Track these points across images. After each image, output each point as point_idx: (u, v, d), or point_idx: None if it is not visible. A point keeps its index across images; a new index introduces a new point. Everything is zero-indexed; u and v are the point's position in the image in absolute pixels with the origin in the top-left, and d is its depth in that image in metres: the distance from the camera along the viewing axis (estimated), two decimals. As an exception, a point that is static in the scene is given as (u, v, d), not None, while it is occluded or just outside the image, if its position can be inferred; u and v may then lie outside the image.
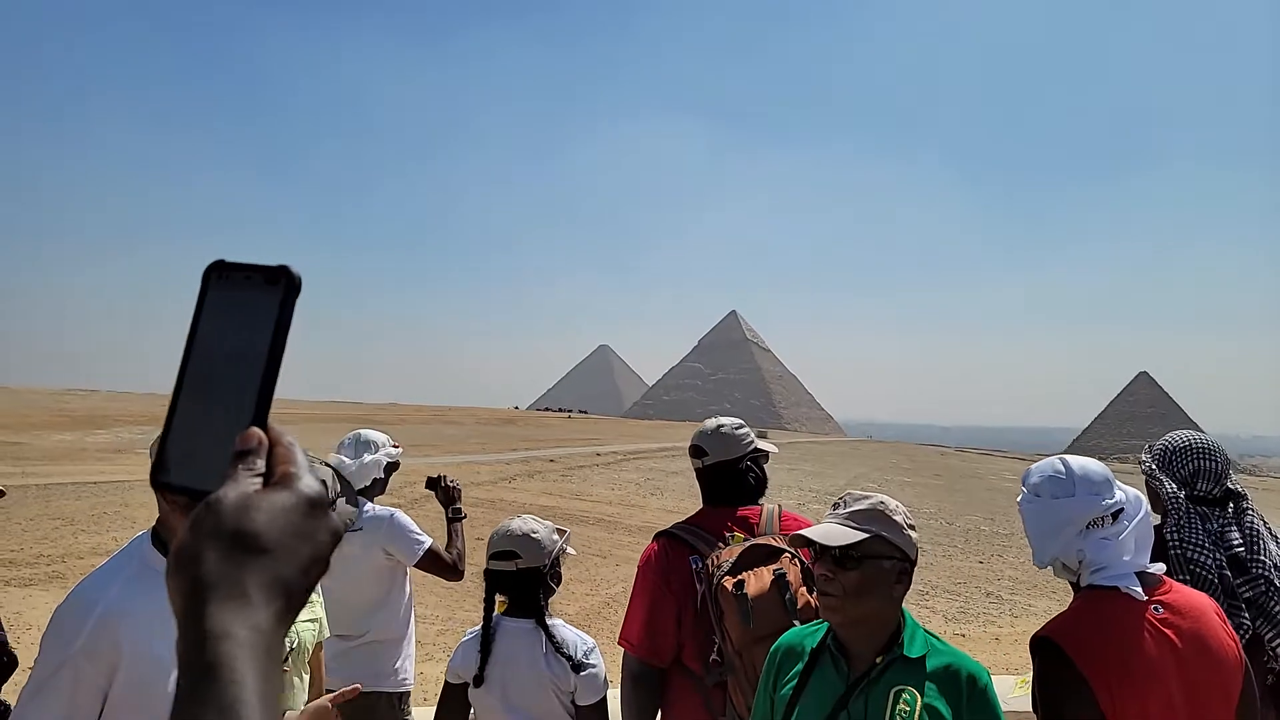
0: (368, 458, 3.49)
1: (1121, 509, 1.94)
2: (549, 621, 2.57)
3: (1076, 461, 2.02)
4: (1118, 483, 2.00)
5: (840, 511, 1.95)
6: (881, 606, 1.87)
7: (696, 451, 2.77)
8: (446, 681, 2.62)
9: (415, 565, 3.47)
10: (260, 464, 0.62)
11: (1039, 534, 1.99)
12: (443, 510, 3.69)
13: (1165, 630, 1.83)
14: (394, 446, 3.62)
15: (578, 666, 2.50)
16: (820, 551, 1.90)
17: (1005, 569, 13.67)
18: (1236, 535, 2.45)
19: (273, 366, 0.63)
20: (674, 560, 2.58)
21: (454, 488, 3.73)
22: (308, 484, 0.62)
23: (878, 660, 1.86)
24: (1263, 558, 2.41)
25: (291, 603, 0.59)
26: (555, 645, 2.51)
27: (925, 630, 1.95)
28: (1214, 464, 2.54)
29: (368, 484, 3.50)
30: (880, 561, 1.86)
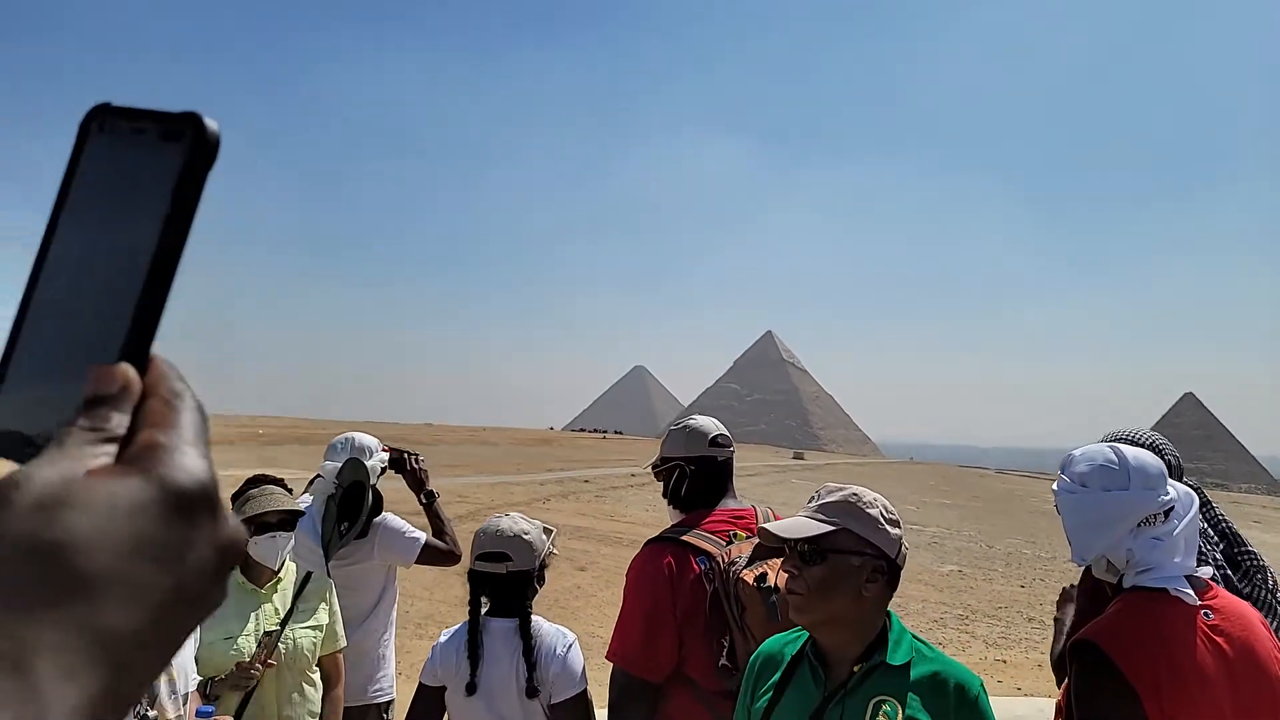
0: (367, 462, 3.39)
1: (1173, 507, 1.78)
2: (531, 623, 2.41)
3: (1130, 452, 1.83)
4: (1169, 478, 1.84)
5: (812, 504, 1.80)
6: (851, 607, 1.70)
7: (689, 452, 2.60)
8: (421, 683, 2.42)
9: (415, 562, 3.41)
10: (117, 421, 0.37)
11: (1083, 527, 1.81)
12: (414, 494, 3.55)
13: (1217, 638, 1.68)
14: (384, 450, 3.50)
15: (553, 662, 2.36)
16: (789, 547, 1.75)
17: (1048, 593, 13.35)
18: (1212, 531, 2.30)
19: (162, 267, 0.39)
20: (677, 564, 2.36)
21: (422, 469, 3.56)
22: (184, 468, 0.37)
23: (856, 668, 1.70)
24: (1251, 549, 2.28)
25: (127, 671, 0.33)
26: (529, 648, 2.36)
27: (914, 636, 1.78)
28: (1168, 460, 2.32)
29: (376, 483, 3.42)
30: (848, 557, 1.70)
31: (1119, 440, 2.26)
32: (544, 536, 2.55)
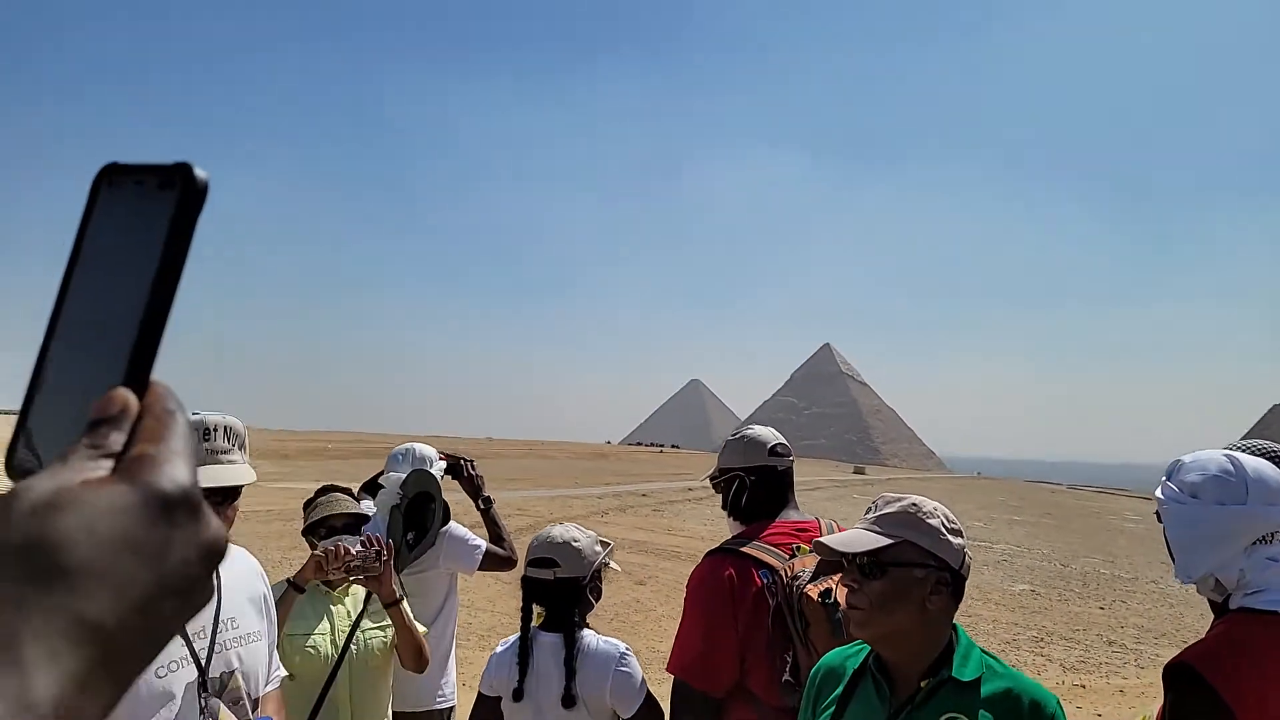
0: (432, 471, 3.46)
1: None
2: (576, 634, 2.40)
3: (1249, 462, 1.69)
4: None
5: (869, 515, 1.73)
6: (915, 620, 1.62)
7: (749, 463, 2.53)
8: (480, 693, 2.49)
9: (478, 569, 3.45)
10: (115, 439, 0.42)
11: (1192, 543, 1.67)
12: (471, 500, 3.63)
13: None
14: (441, 459, 3.58)
15: (605, 677, 2.34)
16: (848, 561, 1.69)
17: (1130, 616, 12.74)
18: None
19: (160, 299, 0.44)
20: (739, 577, 2.31)
21: (478, 475, 3.63)
22: (168, 475, 0.41)
23: (923, 684, 1.62)
24: None
25: (111, 656, 0.36)
26: (572, 660, 2.34)
27: (983, 651, 1.70)
28: None
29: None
30: (910, 570, 1.63)
31: (1237, 449, 2.08)
32: (597, 548, 2.53)
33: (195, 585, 0.41)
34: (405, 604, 2.65)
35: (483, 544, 3.49)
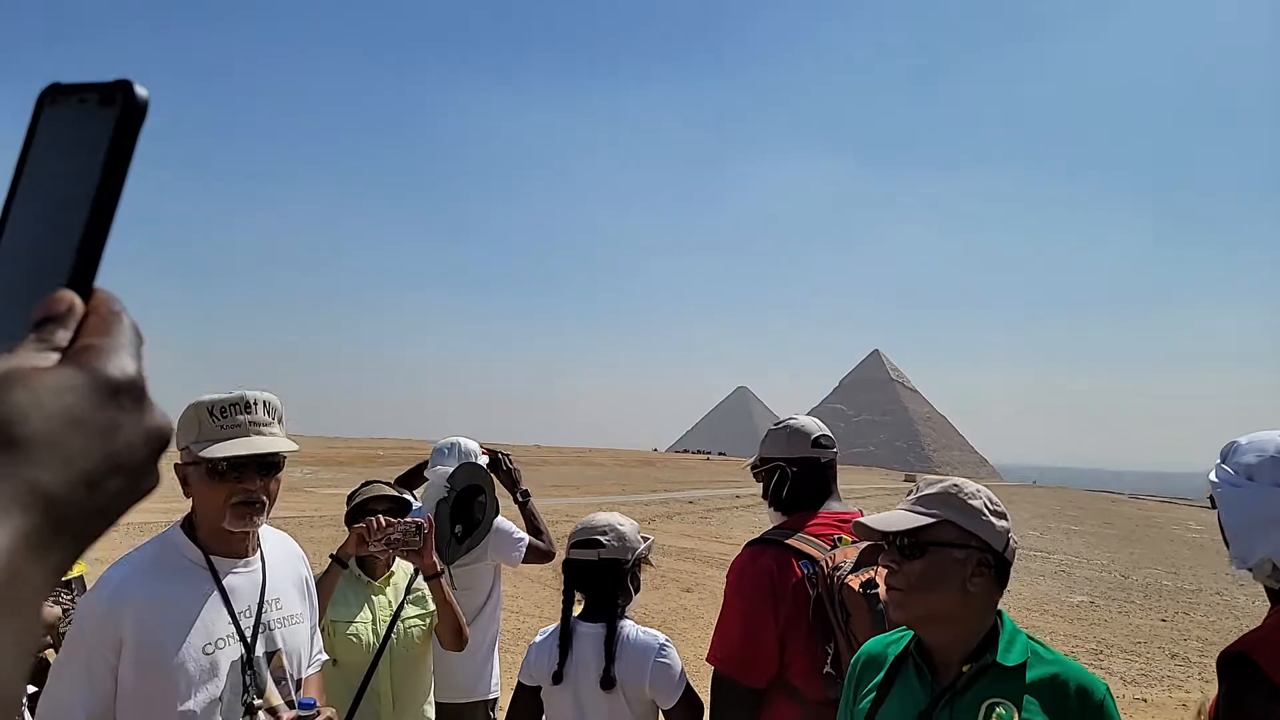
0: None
1: None
2: (618, 624, 2.41)
3: None
4: None
5: (910, 497, 1.70)
6: (954, 602, 1.58)
7: (790, 453, 2.51)
8: (519, 682, 2.52)
9: (521, 562, 3.50)
10: (61, 335, 0.44)
11: (1248, 526, 1.61)
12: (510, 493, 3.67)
13: None
14: (483, 454, 3.63)
15: (643, 670, 2.35)
16: (887, 541, 1.66)
17: (1193, 628, 12.33)
18: None
19: (101, 210, 0.46)
20: (779, 567, 2.28)
21: (515, 468, 3.69)
22: (115, 364, 0.43)
23: (965, 669, 1.58)
24: None
25: (60, 522, 0.40)
26: (612, 644, 2.36)
27: (1030, 637, 1.66)
28: None
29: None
30: (949, 550, 1.59)
31: None
32: (640, 536, 2.55)
33: (141, 469, 0.44)
34: (446, 580, 2.71)
35: (526, 537, 3.54)
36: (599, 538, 2.46)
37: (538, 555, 3.57)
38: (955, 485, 1.67)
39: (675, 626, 9.92)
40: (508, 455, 3.73)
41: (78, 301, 0.45)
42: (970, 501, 1.63)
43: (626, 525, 2.53)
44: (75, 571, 2.69)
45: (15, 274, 0.47)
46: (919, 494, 1.69)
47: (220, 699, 1.80)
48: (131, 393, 0.43)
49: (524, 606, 9.75)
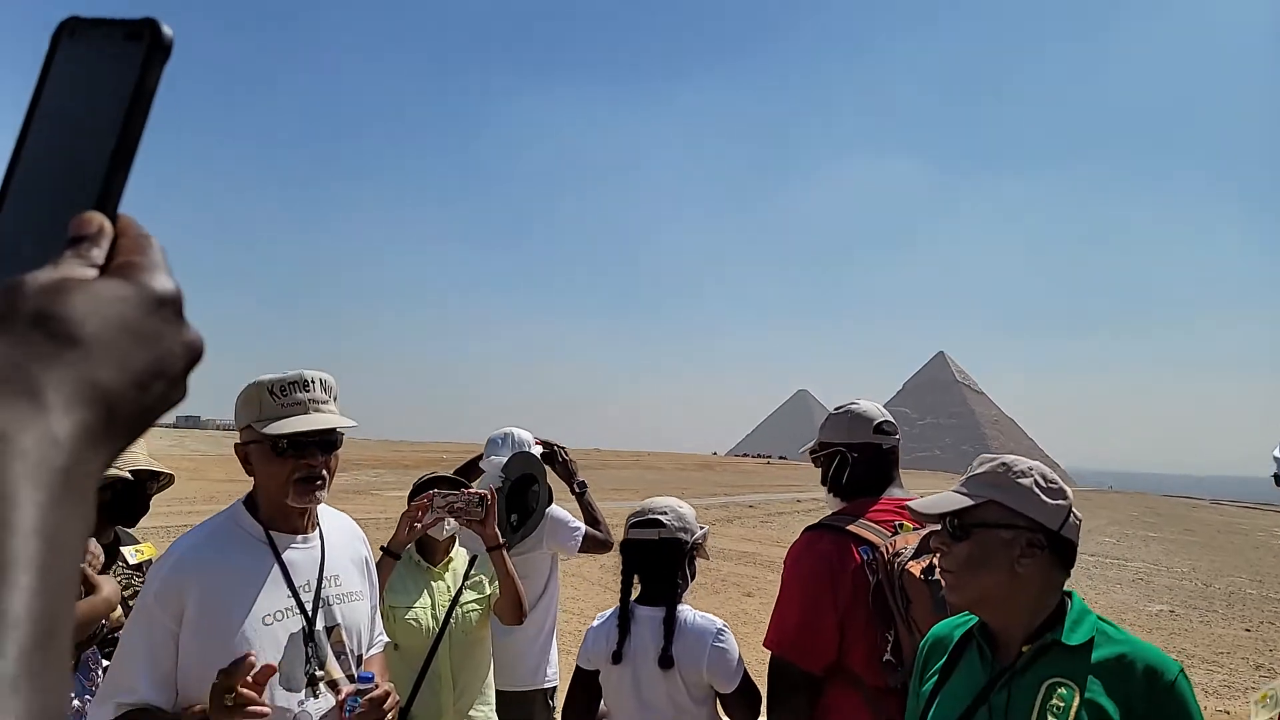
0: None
1: None
2: (677, 610, 2.43)
3: None
4: None
5: (961, 479, 1.69)
6: (1004, 583, 1.56)
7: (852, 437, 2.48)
8: (578, 667, 2.55)
9: (579, 551, 3.53)
10: (97, 253, 0.46)
11: None
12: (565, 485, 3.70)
13: None
14: (536, 445, 3.65)
15: (701, 654, 2.36)
16: (940, 524, 1.65)
17: (1279, 638, 11.79)
18: None
19: (128, 140, 0.47)
20: (837, 552, 2.25)
21: (571, 460, 3.72)
22: (158, 279, 0.46)
23: (1024, 648, 1.56)
24: None
25: (113, 418, 0.42)
26: (671, 625, 2.38)
27: (1099, 618, 1.61)
28: None
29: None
30: (996, 531, 1.57)
31: None
32: (698, 524, 2.56)
33: (179, 378, 0.46)
34: (507, 553, 2.77)
35: (582, 526, 3.58)
36: (659, 517, 2.48)
37: (595, 545, 3.60)
38: (1004, 464, 1.64)
39: (737, 631, 9.79)
40: (563, 448, 3.77)
41: (107, 223, 0.47)
42: (1019, 480, 1.61)
43: (685, 508, 2.55)
44: (145, 555, 2.78)
45: (41, 195, 0.48)
46: (968, 475, 1.68)
47: (280, 669, 1.82)
48: (174, 305, 0.46)
49: (584, 609, 9.84)
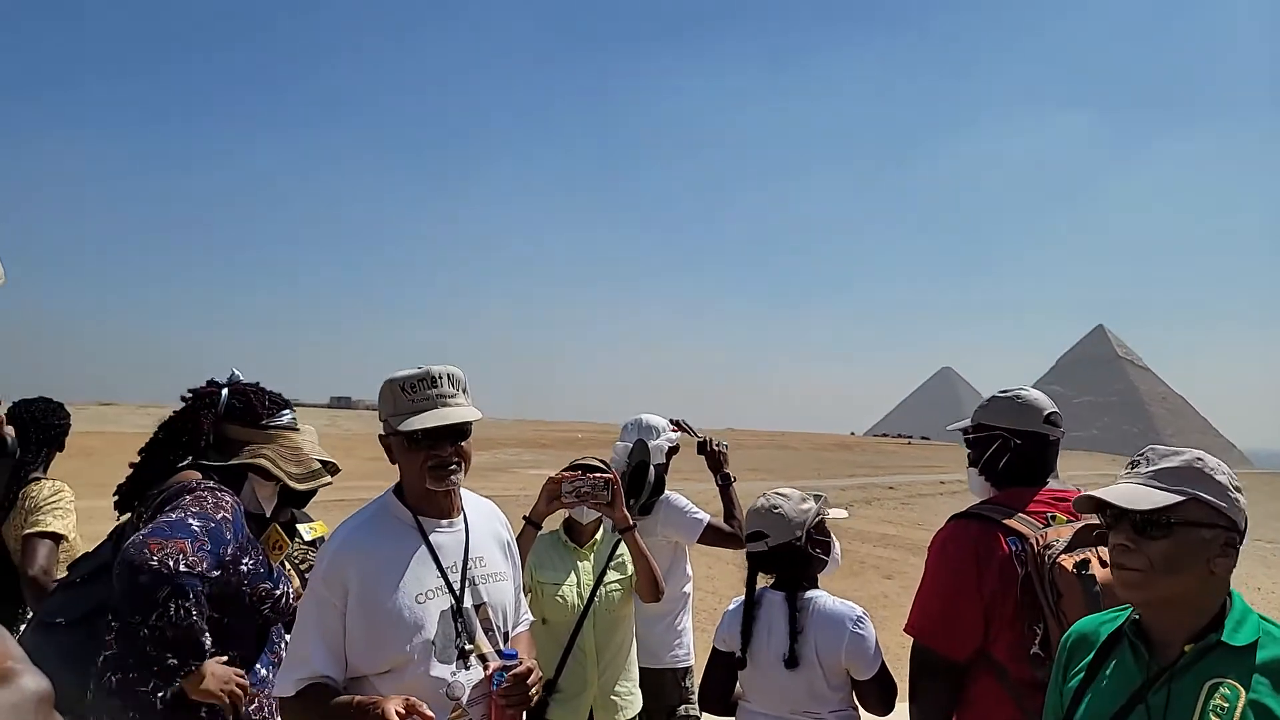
0: (651, 442, 3.56)
1: None
2: (807, 594, 2.48)
3: None
4: None
5: (1142, 470, 1.58)
6: (1196, 584, 1.49)
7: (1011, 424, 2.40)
8: (714, 648, 2.63)
9: (698, 542, 3.54)
10: None
11: None
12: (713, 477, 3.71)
13: None
14: (672, 431, 3.68)
15: (840, 637, 2.40)
16: (1117, 517, 1.55)
17: None
18: None
19: None
20: (984, 541, 2.21)
21: (720, 452, 3.73)
22: (36, 680, 0.54)
23: (1187, 648, 1.49)
24: None
25: None
26: (796, 621, 2.42)
27: (1262, 616, 1.53)
28: None
29: (663, 462, 3.60)
30: (1199, 530, 1.48)
31: None
32: (804, 506, 2.58)
33: None
34: (639, 534, 2.87)
35: (705, 516, 3.57)
36: (761, 529, 2.55)
37: (721, 538, 3.58)
38: (1199, 459, 1.56)
39: (876, 615, 9.57)
40: (714, 440, 3.77)
41: None
42: (1216, 477, 1.53)
43: (785, 505, 2.56)
44: (318, 532, 3.13)
45: None
46: (1157, 467, 1.57)
47: (433, 643, 2.01)
48: (50, 700, 0.56)
49: (719, 588, 9.87)
